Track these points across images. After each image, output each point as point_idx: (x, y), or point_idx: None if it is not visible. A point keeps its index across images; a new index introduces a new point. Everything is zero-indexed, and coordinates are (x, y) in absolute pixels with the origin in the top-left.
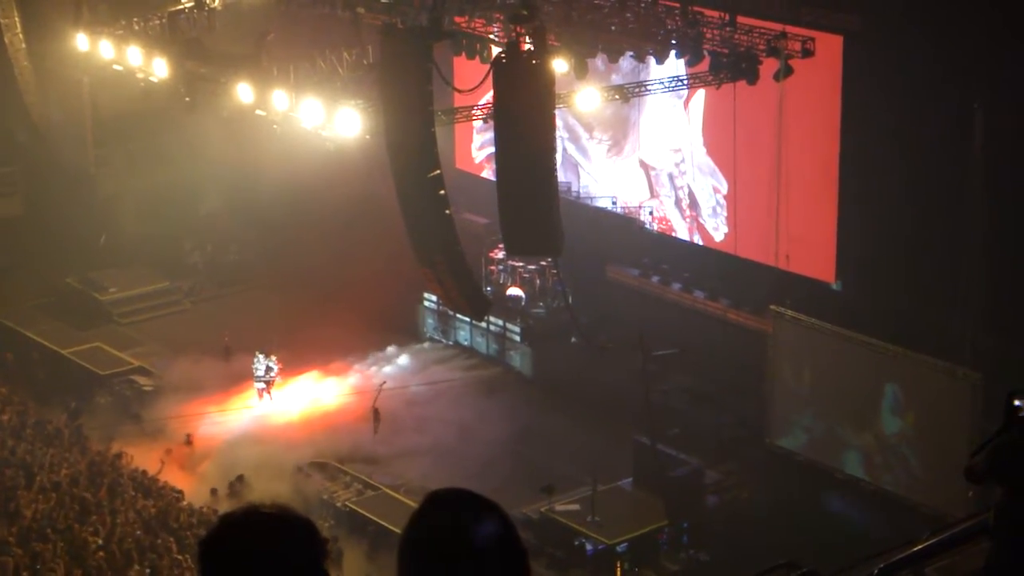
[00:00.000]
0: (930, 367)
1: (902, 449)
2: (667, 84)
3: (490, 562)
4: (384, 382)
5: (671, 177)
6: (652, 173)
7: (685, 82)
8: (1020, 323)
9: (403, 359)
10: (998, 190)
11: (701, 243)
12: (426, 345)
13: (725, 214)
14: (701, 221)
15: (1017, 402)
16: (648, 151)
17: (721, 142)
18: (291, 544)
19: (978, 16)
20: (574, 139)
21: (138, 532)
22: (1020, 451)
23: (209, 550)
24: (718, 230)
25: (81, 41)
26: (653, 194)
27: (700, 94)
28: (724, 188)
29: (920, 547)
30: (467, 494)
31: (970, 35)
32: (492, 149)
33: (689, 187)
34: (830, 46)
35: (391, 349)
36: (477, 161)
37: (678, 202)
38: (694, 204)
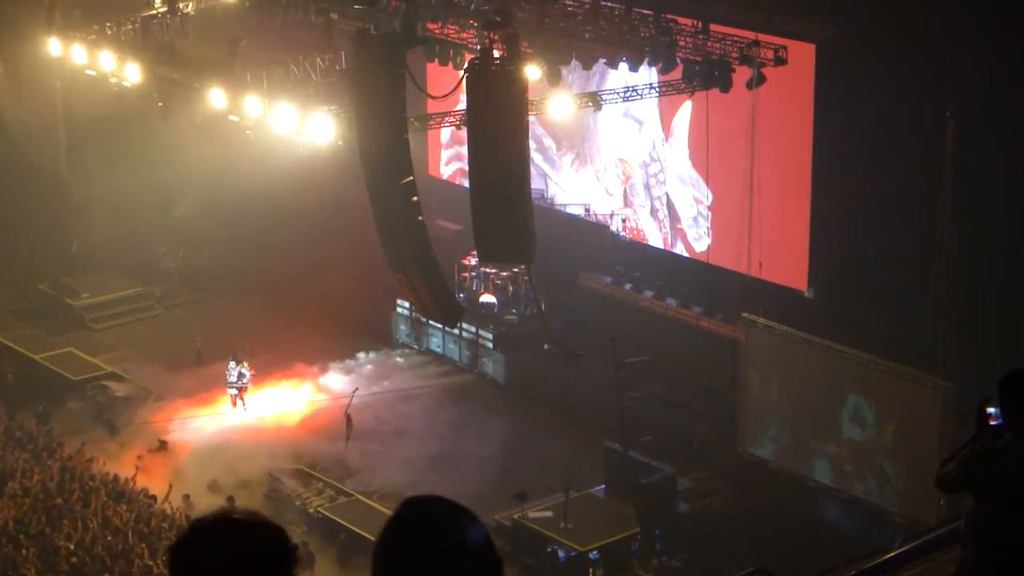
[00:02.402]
0: (901, 375)
1: (875, 457)
2: (641, 91)
3: (465, 569)
4: (356, 388)
5: (647, 187)
6: (628, 183)
7: (657, 89)
8: (992, 331)
9: (376, 366)
10: (970, 197)
11: (678, 252)
12: (399, 351)
13: (708, 224)
14: (683, 230)
15: (989, 410)
16: (607, 162)
17: (703, 152)
18: (261, 550)
19: (950, 24)
20: (541, 149)
21: (110, 537)
22: (991, 460)
23: (179, 556)
24: (700, 240)
25: (54, 46)
26: (627, 203)
27: (687, 105)
28: (708, 199)
29: (892, 555)
30: (442, 500)
31: (942, 43)
32: (459, 164)
33: (668, 196)
34: (803, 54)
35: (363, 356)
36: (445, 176)
37: (654, 212)
38: (673, 213)
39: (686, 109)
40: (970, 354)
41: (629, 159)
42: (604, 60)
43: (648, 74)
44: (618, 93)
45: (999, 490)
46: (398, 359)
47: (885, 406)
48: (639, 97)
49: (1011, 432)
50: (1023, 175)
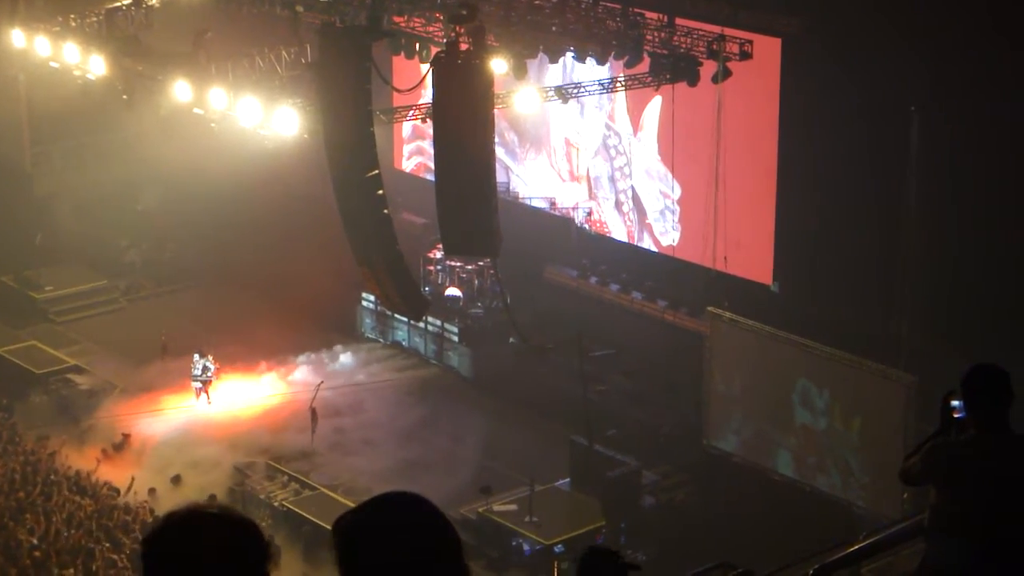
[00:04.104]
0: (866, 369)
1: (838, 451)
2: (605, 85)
3: (430, 562)
4: (322, 382)
5: (612, 179)
6: (593, 177)
7: (623, 82)
8: (955, 325)
9: (341, 359)
10: (934, 193)
11: (644, 246)
12: (364, 345)
13: (676, 219)
14: (651, 224)
15: (953, 403)
16: (556, 144)
17: (672, 146)
18: (235, 545)
19: (915, 21)
20: (503, 143)
21: (73, 531)
22: (954, 453)
23: (152, 548)
24: (667, 234)
25: (17, 38)
26: (591, 196)
27: (657, 100)
28: (676, 193)
29: (856, 548)
30: (409, 495)
31: (907, 40)
32: (421, 158)
33: (633, 189)
34: (769, 49)
35: (329, 349)
36: (408, 170)
37: (618, 204)
38: (639, 207)
39: (656, 104)
40: (934, 348)
41: (576, 141)
42: (572, 54)
43: (594, 67)
44: (583, 87)
45: (962, 484)
46: (363, 352)
47: (849, 399)
48: (603, 91)
49: (974, 426)
50: (987, 172)
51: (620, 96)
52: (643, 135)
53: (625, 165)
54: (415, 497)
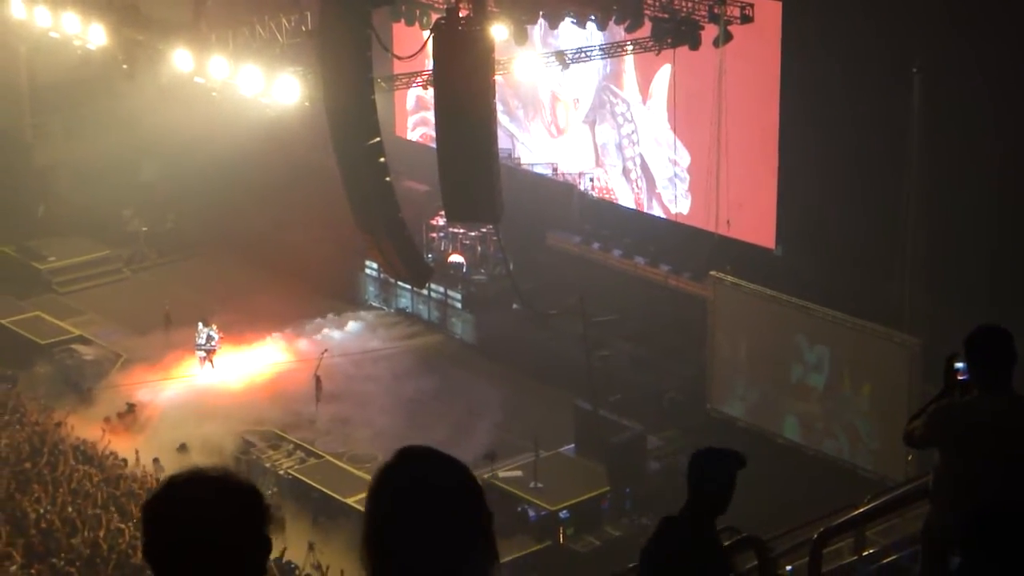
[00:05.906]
0: (870, 332)
1: (845, 415)
2: (607, 50)
3: (461, 507)
4: (326, 350)
5: (619, 147)
6: (600, 144)
7: (626, 47)
8: (959, 287)
9: (345, 327)
10: (936, 154)
11: (654, 213)
12: (367, 312)
13: (686, 187)
14: (659, 193)
15: (957, 365)
16: (544, 99)
17: (680, 113)
18: (235, 507)
19: None
20: (508, 111)
21: (80, 501)
22: (957, 415)
23: (153, 511)
24: (675, 201)
25: (17, 8)
26: (598, 163)
27: (666, 68)
28: (685, 161)
29: (861, 511)
30: (433, 450)
31: (907, 1)
32: (425, 129)
33: (642, 157)
34: (770, 12)
35: (332, 317)
36: (414, 140)
37: (626, 171)
38: (648, 175)
39: (665, 72)
40: (938, 310)
41: (560, 94)
42: (572, 19)
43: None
44: (584, 51)
45: (965, 446)
46: (367, 320)
47: (853, 363)
48: (604, 56)
49: (978, 387)
50: (989, 132)
51: (628, 64)
52: (652, 103)
53: (633, 132)
54: (436, 452)
